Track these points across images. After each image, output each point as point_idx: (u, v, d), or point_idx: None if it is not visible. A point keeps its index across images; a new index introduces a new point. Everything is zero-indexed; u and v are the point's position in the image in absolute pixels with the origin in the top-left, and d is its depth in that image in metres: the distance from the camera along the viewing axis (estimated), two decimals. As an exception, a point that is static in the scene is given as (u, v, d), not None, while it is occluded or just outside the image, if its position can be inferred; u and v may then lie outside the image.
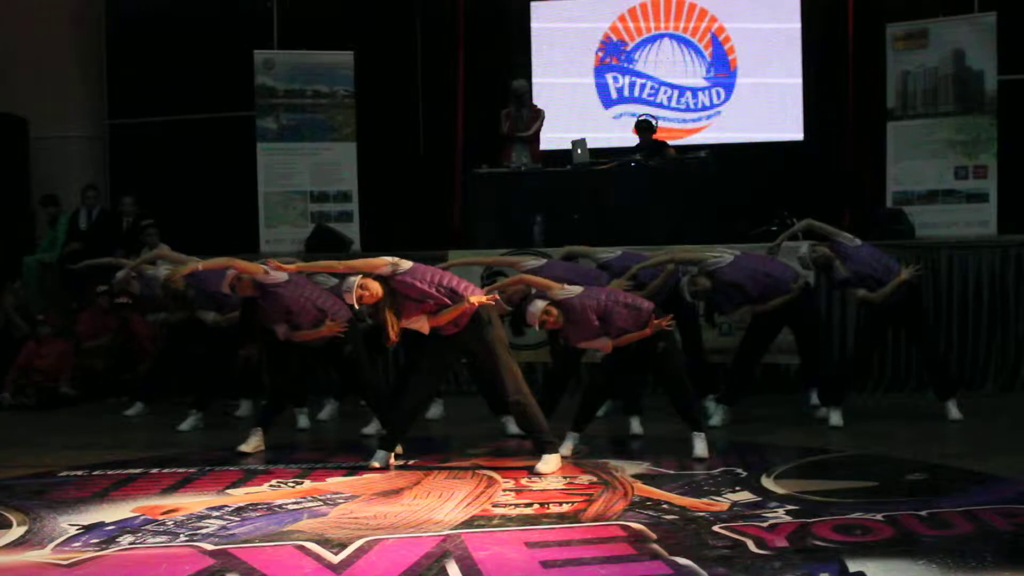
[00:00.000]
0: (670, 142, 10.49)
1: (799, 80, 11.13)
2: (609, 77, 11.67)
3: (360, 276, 5.85)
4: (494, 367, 6.15)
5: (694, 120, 11.46)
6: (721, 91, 11.41)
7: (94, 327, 9.66)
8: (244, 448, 6.79)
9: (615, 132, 11.19)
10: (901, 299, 7.42)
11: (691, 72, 11.48)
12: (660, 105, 11.40)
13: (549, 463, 6.05)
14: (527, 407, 6.15)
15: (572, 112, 11.27)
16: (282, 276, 6.63)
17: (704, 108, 11.45)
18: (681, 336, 7.66)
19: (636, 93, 11.58)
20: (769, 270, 7.46)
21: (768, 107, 11.21)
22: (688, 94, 11.49)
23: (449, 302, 5.94)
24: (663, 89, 11.52)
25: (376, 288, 5.86)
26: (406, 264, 5.95)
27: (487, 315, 6.10)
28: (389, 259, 5.96)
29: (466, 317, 6.01)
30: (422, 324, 6.00)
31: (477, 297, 5.96)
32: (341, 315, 6.79)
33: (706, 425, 6.85)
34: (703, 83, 11.45)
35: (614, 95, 11.65)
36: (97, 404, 9.21)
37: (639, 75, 11.57)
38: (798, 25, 11.14)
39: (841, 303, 8.85)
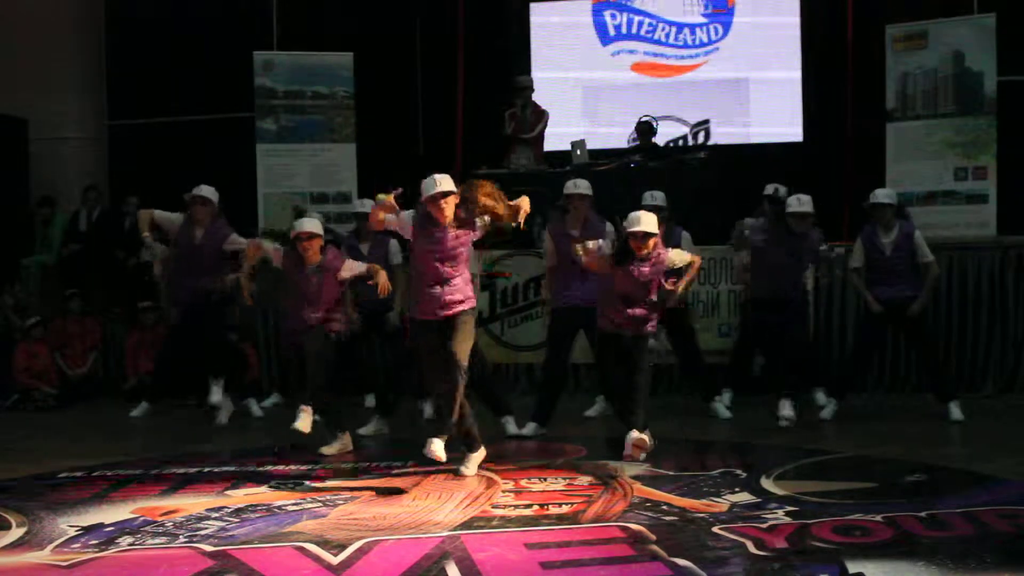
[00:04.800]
0: (669, 80, 10.61)
1: (799, 81, 11.12)
2: (607, 14, 11.61)
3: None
4: (454, 348, 5.95)
5: (692, 56, 11.43)
6: (719, 27, 11.38)
7: (67, 335, 9.77)
8: (325, 450, 6.70)
9: (612, 71, 11.19)
10: (901, 300, 7.49)
11: (688, 8, 11.44)
12: (658, 42, 11.39)
13: (459, 460, 6.04)
14: (456, 396, 5.94)
15: (570, 51, 11.20)
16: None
17: (702, 44, 11.40)
18: (677, 346, 8.06)
19: (634, 30, 11.52)
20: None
21: (766, 44, 11.19)
22: (686, 30, 11.45)
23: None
24: (661, 26, 11.45)
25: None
26: None
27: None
28: None
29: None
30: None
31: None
32: None
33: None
34: (701, 19, 11.41)
35: (612, 32, 11.60)
36: (90, 406, 9.23)
37: (637, 12, 11.52)
38: (798, 27, 11.12)
39: (841, 302, 8.86)
